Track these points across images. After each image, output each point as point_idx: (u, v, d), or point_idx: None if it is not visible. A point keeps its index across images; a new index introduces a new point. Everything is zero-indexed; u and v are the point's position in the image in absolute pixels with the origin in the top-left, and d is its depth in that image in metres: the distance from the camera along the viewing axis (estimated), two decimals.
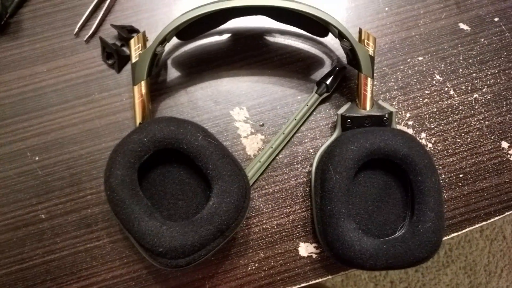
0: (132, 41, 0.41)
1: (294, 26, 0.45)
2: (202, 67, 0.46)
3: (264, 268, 0.43)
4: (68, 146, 0.44)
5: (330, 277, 0.43)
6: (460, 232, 0.44)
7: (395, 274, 1.14)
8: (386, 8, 0.48)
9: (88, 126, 0.44)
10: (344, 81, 0.46)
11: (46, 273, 0.42)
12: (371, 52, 0.41)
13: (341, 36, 0.41)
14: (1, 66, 0.45)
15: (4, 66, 0.45)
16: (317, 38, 0.47)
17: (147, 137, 0.37)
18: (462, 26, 0.48)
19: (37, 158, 0.44)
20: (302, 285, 0.42)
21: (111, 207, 0.36)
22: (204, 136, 0.38)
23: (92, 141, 0.44)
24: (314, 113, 0.46)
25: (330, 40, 0.47)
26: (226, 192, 0.37)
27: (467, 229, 0.44)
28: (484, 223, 0.44)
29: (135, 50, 0.41)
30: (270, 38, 0.47)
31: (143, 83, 0.40)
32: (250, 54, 0.47)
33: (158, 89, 0.46)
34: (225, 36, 0.47)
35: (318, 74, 0.46)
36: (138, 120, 0.41)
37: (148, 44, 0.41)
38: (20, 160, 0.44)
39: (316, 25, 0.42)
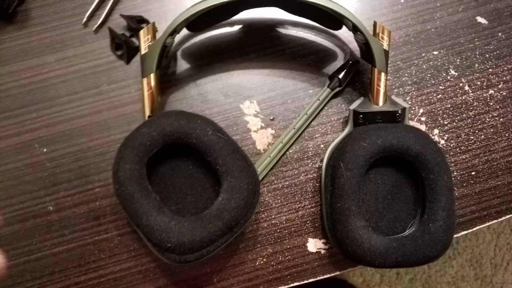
0: (141, 32, 0.40)
1: (307, 18, 0.44)
2: (212, 59, 0.45)
3: (272, 263, 0.42)
4: (76, 138, 0.44)
5: (338, 273, 0.43)
6: (470, 230, 0.43)
7: None
8: (402, 0, 0.47)
9: (96, 118, 0.44)
10: (357, 75, 0.45)
11: (54, 264, 0.42)
12: (385, 46, 0.40)
13: (355, 29, 0.40)
14: (9, 55, 0.45)
15: (12, 56, 0.45)
16: (330, 31, 0.46)
17: (156, 131, 0.36)
18: (480, 19, 0.47)
19: (45, 150, 0.43)
20: (310, 280, 0.42)
21: (120, 201, 0.36)
22: (213, 130, 0.37)
23: (101, 133, 0.44)
24: (326, 108, 0.45)
25: (344, 33, 0.46)
26: (235, 188, 0.36)
27: (477, 227, 0.44)
28: (494, 221, 0.44)
29: (144, 41, 0.40)
30: (282, 30, 0.46)
31: (152, 76, 0.40)
32: (261, 46, 0.46)
33: (167, 81, 0.45)
34: (236, 28, 0.46)
35: (331, 68, 0.45)
36: (147, 113, 0.40)
37: (158, 35, 0.40)
38: (28, 151, 0.43)
39: (329, 18, 0.41)
